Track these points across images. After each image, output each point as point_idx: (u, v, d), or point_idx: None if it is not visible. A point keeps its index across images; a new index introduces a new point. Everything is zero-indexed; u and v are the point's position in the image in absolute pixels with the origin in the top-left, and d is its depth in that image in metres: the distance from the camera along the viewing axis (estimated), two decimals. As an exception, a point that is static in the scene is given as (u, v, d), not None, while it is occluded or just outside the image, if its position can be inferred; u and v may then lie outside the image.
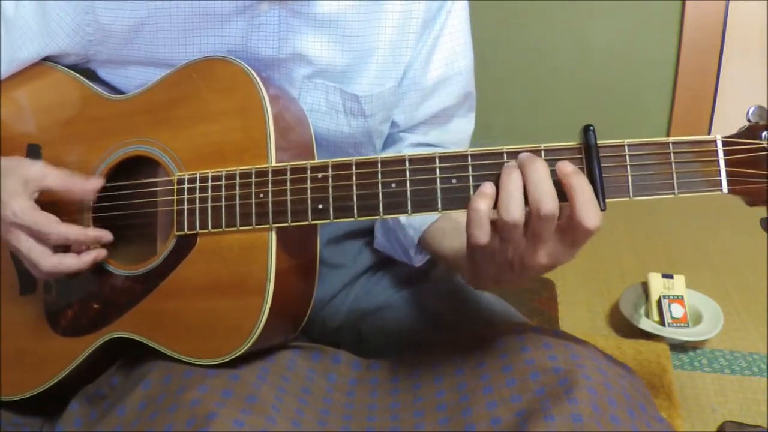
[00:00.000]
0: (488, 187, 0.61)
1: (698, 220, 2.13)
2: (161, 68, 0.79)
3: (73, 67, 0.85)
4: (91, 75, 0.86)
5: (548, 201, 0.59)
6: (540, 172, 0.60)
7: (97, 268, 0.78)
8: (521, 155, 0.62)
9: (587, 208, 0.59)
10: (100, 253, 0.76)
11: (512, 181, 0.60)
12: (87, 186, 0.76)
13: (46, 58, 0.84)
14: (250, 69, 0.73)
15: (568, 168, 0.60)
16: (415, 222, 0.84)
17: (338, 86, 0.83)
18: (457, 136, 0.93)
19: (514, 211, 0.60)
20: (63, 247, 0.76)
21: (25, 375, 0.80)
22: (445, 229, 0.81)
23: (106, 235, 0.76)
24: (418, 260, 0.90)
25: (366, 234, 0.98)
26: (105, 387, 0.75)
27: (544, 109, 2.61)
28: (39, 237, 0.74)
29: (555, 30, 2.56)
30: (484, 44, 2.63)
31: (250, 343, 0.69)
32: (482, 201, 0.61)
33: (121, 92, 0.83)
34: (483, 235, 0.61)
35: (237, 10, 0.78)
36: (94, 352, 0.77)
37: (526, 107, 2.64)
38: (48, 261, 0.74)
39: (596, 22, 2.52)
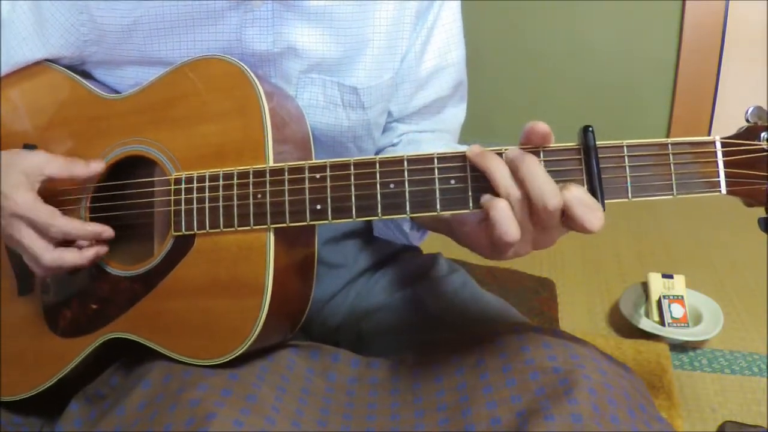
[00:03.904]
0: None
1: (698, 220, 2.13)
2: (157, 67, 0.79)
3: (68, 69, 0.85)
4: (87, 77, 0.85)
5: (553, 195, 0.59)
6: (533, 165, 0.60)
7: (95, 269, 0.78)
8: (507, 152, 0.62)
9: (585, 213, 0.59)
10: (101, 249, 0.76)
11: (501, 169, 0.61)
12: (89, 170, 0.76)
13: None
14: (247, 68, 0.73)
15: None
16: None
17: (336, 80, 0.83)
18: (448, 125, 0.94)
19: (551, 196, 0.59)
20: (65, 243, 0.75)
21: (24, 375, 0.80)
22: None
23: (106, 230, 0.76)
24: (415, 237, 0.90)
25: (365, 234, 0.98)
26: (104, 387, 0.75)
27: (545, 110, 2.61)
28: (39, 230, 0.73)
29: (555, 30, 2.56)
30: (484, 44, 2.64)
31: (249, 343, 0.69)
32: (500, 200, 0.60)
33: (117, 92, 0.83)
34: (515, 229, 0.60)
35: (230, 5, 0.78)
36: (93, 353, 0.77)
37: (526, 107, 2.64)
38: (49, 254, 0.74)
39: (596, 22, 2.52)
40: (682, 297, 1.58)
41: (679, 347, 1.50)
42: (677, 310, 1.55)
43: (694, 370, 1.43)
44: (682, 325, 1.53)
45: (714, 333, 1.50)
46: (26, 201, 0.73)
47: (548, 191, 0.59)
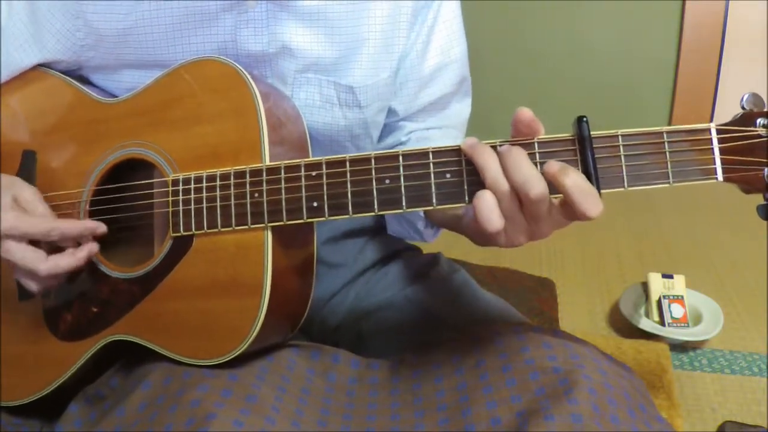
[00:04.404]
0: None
1: (698, 220, 2.13)
2: (154, 70, 0.79)
3: (66, 74, 0.84)
4: (84, 81, 0.85)
5: (534, 184, 0.59)
6: (519, 157, 0.60)
7: (95, 271, 0.78)
8: (498, 149, 0.62)
9: (585, 200, 0.59)
10: (93, 246, 0.76)
11: (493, 159, 0.61)
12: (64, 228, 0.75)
13: (40, 65, 0.84)
14: (243, 69, 0.73)
15: (554, 167, 0.60)
16: None
17: (332, 79, 0.83)
18: (454, 120, 0.95)
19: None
20: (56, 251, 0.75)
21: (25, 380, 0.80)
22: None
23: (100, 226, 0.76)
24: (429, 235, 0.91)
25: (365, 233, 0.98)
26: (105, 388, 0.75)
27: (545, 109, 2.58)
28: (36, 238, 0.73)
29: (555, 30, 2.56)
30: (484, 44, 2.64)
31: (248, 343, 0.69)
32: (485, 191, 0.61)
33: (115, 96, 0.83)
34: (496, 219, 0.60)
35: (225, 7, 0.78)
36: (94, 356, 0.77)
37: (527, 107, 2.63)
38: (44, 264, 0.73)
39: (596, 22, 2.52)
40: (682, 297, 1.58)
41: (679, 347, 1.49)
42: (677, 310, 1.55)
43: (694, 370, 1.43)
44: (682, 325, 1.53)
45: (714, 333, 1.50)
46: (16, 216, 0.73)
47: (531, 180, 0.59)
